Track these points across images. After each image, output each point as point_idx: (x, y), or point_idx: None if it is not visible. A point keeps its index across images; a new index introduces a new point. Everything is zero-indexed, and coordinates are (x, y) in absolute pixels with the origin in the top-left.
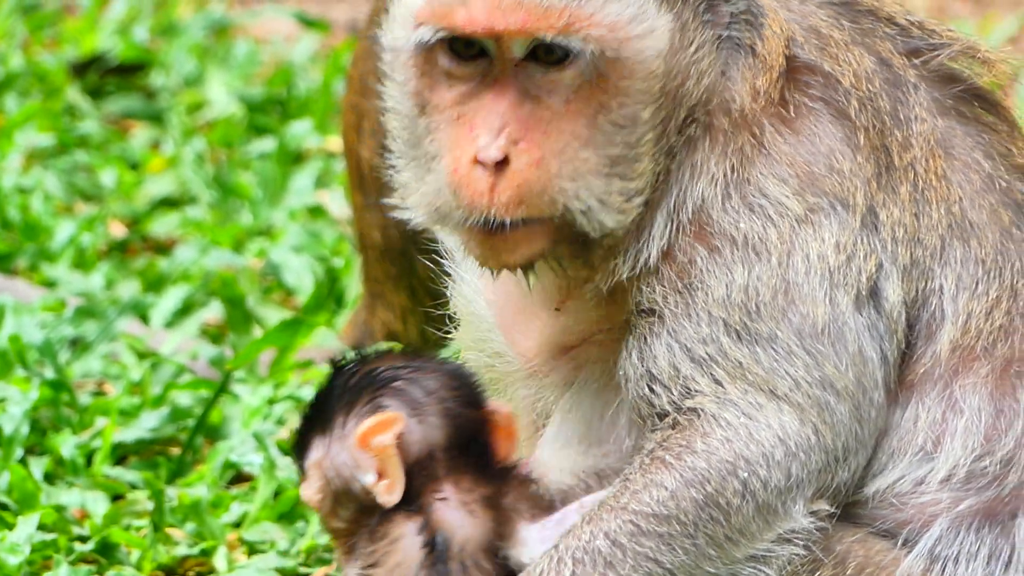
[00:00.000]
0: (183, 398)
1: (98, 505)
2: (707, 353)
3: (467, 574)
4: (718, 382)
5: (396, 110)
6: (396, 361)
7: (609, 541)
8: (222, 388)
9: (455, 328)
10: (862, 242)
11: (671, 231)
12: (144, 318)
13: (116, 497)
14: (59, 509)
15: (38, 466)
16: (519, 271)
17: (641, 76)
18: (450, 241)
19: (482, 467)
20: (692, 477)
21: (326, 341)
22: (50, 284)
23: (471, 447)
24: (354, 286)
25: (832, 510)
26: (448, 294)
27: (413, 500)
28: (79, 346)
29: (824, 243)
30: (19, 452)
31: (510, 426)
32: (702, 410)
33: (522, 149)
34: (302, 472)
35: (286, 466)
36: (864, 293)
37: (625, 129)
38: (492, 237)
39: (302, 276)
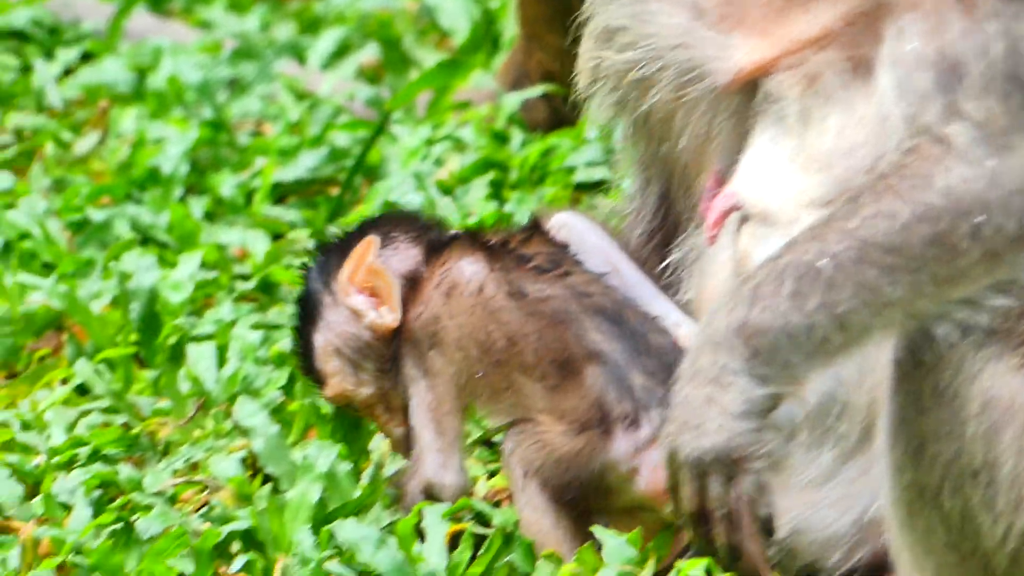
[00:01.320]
0: (341, 138)
1: (258, 243)
2: (979, 80)
3: None
4: (978, 113)
5: None
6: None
7: (833, 264)
8: (380, 128)
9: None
10: None
11: None
12: (301, 59)
13: (276, 236)
14: (220, 248)
15: (198, 205)
16: None
17: None
18: None
19: None
20: (925, 213)
21: (483, 82)
22: (206, 25)
23: None
24: (510, 27)
25: None
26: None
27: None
28: (237, 87)
29: None
30: (179, 191)
31: None
32: (951, 142)
33: None
34: (318, 381)
35: (445, 206)
36: None
37: None
38: None
39: (458, 17)
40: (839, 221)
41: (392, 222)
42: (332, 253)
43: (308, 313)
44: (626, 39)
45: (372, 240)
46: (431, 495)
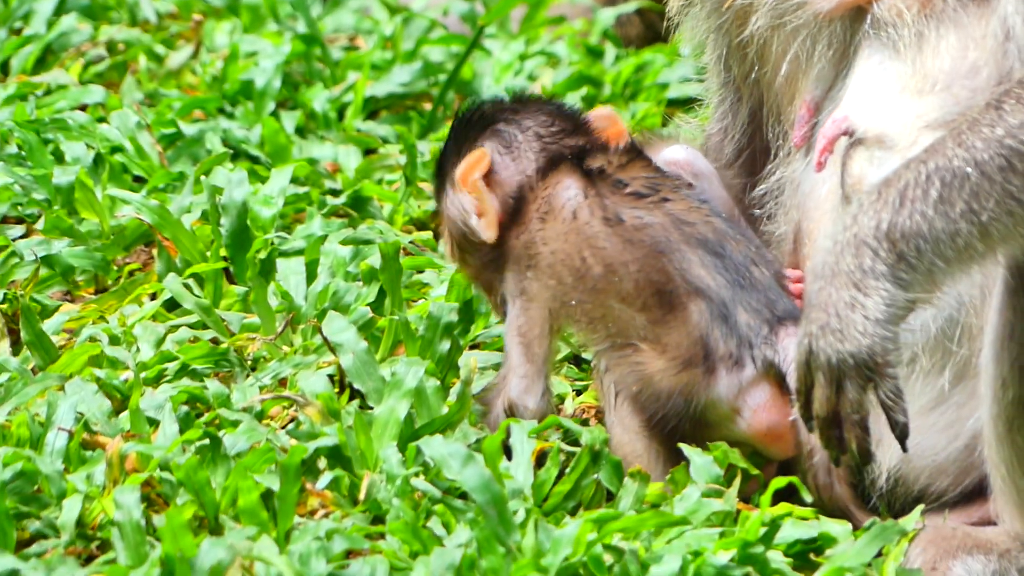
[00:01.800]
0: (435, 53)
1: (350, 159)
2: None
3: None
4: None
5: None
6: (500, 104)
7: (979, 172)
8: (474, 43)
9: None
10: None
11: None
12: None
13: (368, 151)
14: (312, 162)
15: (290, 120)
16: None
17: None
18: None
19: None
20: None
21: None
22: None
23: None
24: None
25: None
26: None
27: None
28: (331, 1)
29: None
30: (271, 106)
31: (616, 125)
32: None
33: None
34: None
35: None
36: None
37: None
38: None
39: None
40: (985, 128)
41: (528, 117)
42: (472, 126)
43: (442, 164)
44: None
45: (485, 154)
46: (514, 415)
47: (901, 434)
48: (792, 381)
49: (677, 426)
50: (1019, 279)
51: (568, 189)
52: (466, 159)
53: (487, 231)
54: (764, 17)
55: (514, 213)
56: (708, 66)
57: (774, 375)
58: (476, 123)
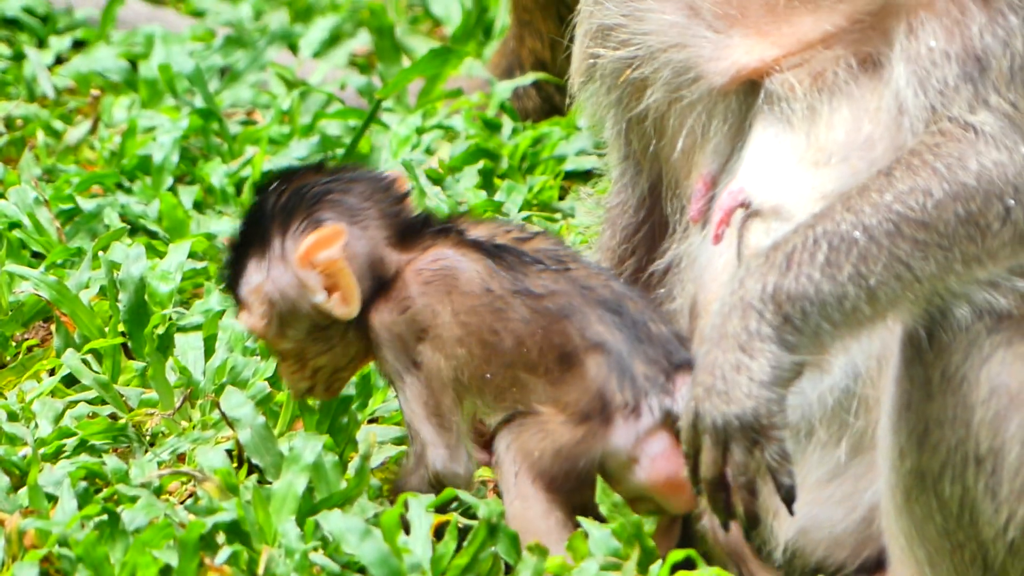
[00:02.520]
0: (332, 127)
1: None
2: (1007, 69)
3: None
4: (1006, 103)
5: None
6: (322, 175)
7: (867, 236)
8: (371, 117)
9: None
10: None
11: None
12: (293, 48)
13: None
14: (210, 237)
15: (188, 195)
16: None
17: None
18: None
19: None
20: (959, 192)
21: (474, 71)
22: (198, 14)
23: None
24: (502, 16)
25: None
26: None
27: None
28: (228, 75)
29: None
30: (169, 180)
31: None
32: (983, 129)
33: None
34: (238, 302)
35: (436, 195)
36: None
37: None
38: None
39: (450, 6)
40: (873, 194)
41: (367, 188)
42: (299, 200)
43: (255, 240)
44: (621, 37)
45: (340, 231)
46: (441, 486)
47: (787, 496)
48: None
49: (578, 488)
50: (915, 349)
51: (474, 263)
52: (313, 235)
53: (345, 307)
54: (659, 91)
55: (373, 287)
56: (608, 140)
57: (671, 425)
58: (301, 196)
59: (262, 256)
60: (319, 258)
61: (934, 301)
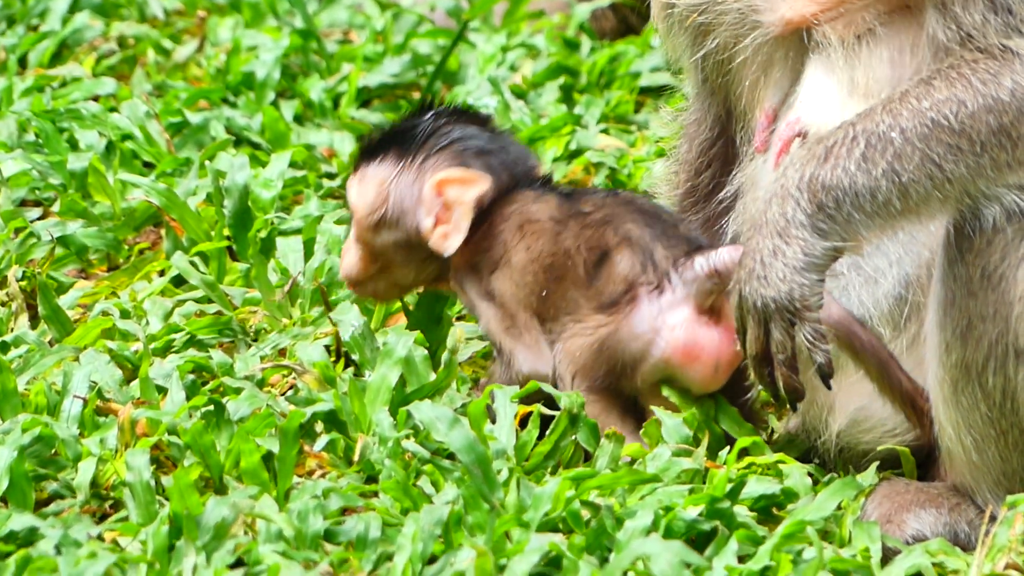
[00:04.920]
0: (423, 46)
1: (345, 144)
2: None
3: None
4: None
5: None
6: (486, 129)
7: (903, 137)
8: (459, 36)
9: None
10: None
11: None
12: None
13: (361, 137)
14: (309, 148)
15: (289, 108)
16: None
17: None
18: None
19: None
20: (993, 104)
21: None
22: None
23: None
24: None
25: None
26: None
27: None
28: None
29: None
30: (271, 95)
31: None
32: (1019, 52)
33: None
34: (357, 168)
35: (519, 108)
36: None
37: None
38: None
39: None
40: (913, 100)
41: (513, 157)
42: (459, 137)
43: (405, 141)
44: None
45: (485, 179)
46: (531, 380)
47: (821, 372)
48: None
49: (621, 379)
50: (957, 250)
51: (545, 203)
52: (458, 170)
53: (443, 243)
54: (723, 35)
55: (473, 229)
56: (685, 68)
57: (695, 300)
58: (464, 136)
59: (401, 158)
60: (450, 192)
61: (964, 201)
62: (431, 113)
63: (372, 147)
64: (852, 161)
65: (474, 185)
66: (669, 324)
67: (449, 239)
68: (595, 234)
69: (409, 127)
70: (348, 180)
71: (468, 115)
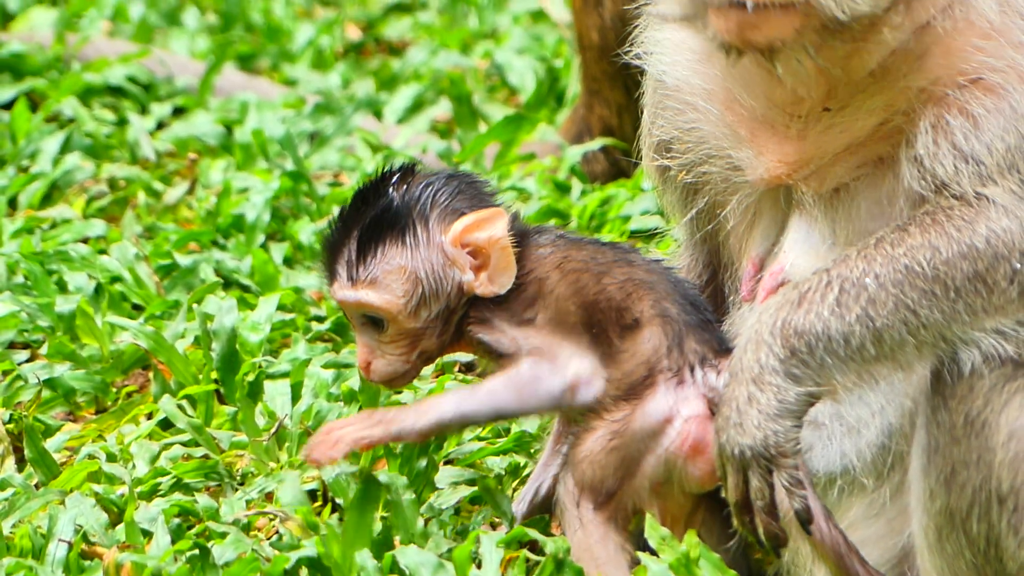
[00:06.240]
0: None
1: None
2: (1011, 155)
3: None
4: (1012, 180)
5: None
6: (441, 175)
7: (877, 283)
8: None
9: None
10: None
11: None
12: (378, 114)
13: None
14: (297, 291)
15: (278, 251)
16: (764, 56)
17: None
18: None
19: None
20: (967, 251)
21: (547, 136)
22: (290, 83)
23: None
24: (573, 85)
25: None
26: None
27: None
28: (317, 140)
29: None
30: (261, 238)
31: None
32: (993, 199)
33: None
34: (355, 280)
35: None
36: None
37: None
38: (739, 11)
39: (524, 76)
40: (887, 246)
41: (482, 186)
42: (435, 192)
43: (383, 226)
44: (677, 148)
45: (501, 212)
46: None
47: (799, 517)
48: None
49: (628, 480)
50: (940, 397)
51: (582, 246)
52: (470, 216)
53: (494, 285)
54: (710, 194)
55: None
56: (674, 217)
57: (710, 401)
58: (436, 188)
59: (400, 240)
60: (474, 237)
61: (940, 346)
62: (386, 189)
63: (360, 245)
64: (825, 306)
65: (494, 220)
66: (684, 415)
67: (500, 277)
68: (635, 294)
69: (386, 206)
70: (337, 290)
71: (405, 170)
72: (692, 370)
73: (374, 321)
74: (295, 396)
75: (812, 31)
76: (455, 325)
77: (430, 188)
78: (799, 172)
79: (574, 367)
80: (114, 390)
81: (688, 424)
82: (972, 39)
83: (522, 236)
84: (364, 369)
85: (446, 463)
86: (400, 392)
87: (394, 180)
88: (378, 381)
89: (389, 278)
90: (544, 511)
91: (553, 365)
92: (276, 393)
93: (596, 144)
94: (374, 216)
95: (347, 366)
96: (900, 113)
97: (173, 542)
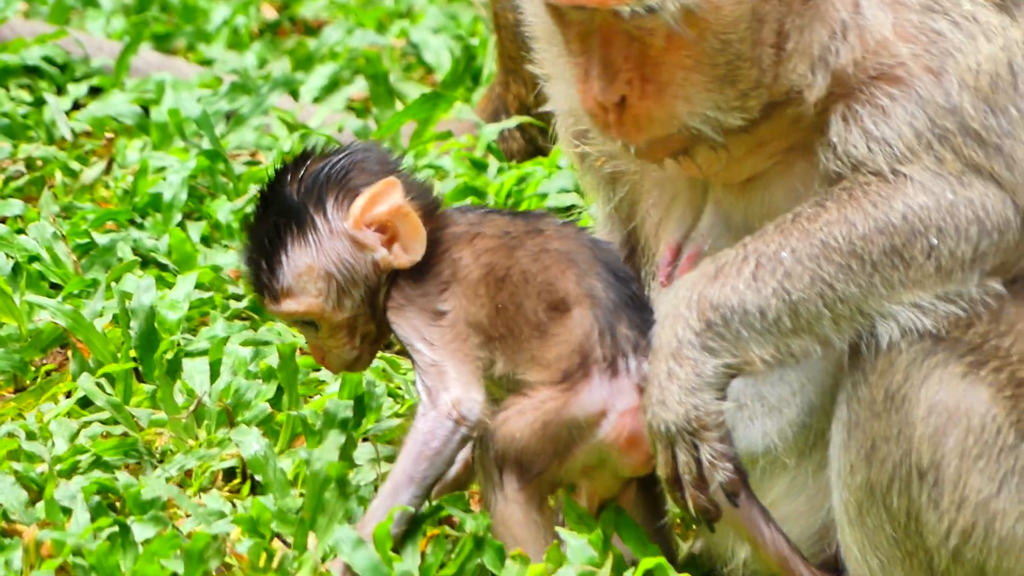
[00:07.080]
0: None
1: None
2: (944, 126)
3: None
4: (936, 156)
5: (531, 17)
6: (329, 156)
7: (794, 257)
8: None
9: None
10: None
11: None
12: (294, 94)
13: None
14: (216, 269)
15: (196, 230)
16: (672, 159)
17: (727, 18)
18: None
19: None
20: (884, 227)
21: (463, 114)
22: (206, 63)
23: None
24: (489, 63)
25: (1001, 289)
26: None
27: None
28: (234, 119)
29: None
30: (178, 217)
31: None
32: (911, 177)
33: (635, 86)
34: (275, 295)
35: None
36: None
37: (724, 50)
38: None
39: (441, 54)
40: (804, 221)
41: (378, 156)
42: (325, 179)
43: (283, 231)
44: (593, 136)
45: (394, 182)
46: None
47: (724, 490)
48: None
49: (555, 461)
50: (861, 372)
51: (494, 217)
52: (364, 195)
53: (408, 254)
54: (630, 182)
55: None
56: (594, 199)
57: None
58: (326, 175)
59: (302, 239)
60: (374, 214)
61: (857, 319)
62: (279, 189)
63: (268, 257)
64: (741, 280)
65: (389, 191)
66: (619, 409)
67: (412, 244)
68: (555, 268)
69: (283, 207)
70: (268, 306)
71: (298, 161)
72: (626, 358)
73: (308, 323)
74: (214, 374)
75: (705, 144)
76: (384, 302)
77: (321, 175)
78: (711, 168)
79: (452, 394)
80: (33, 369)
81: (623, 417)
82: (871, 47)
83: (433, 208)
84: (322, 364)
85: (364, 440)
86: (319, 369)
87: (287, 176)
88: (337, 372)
89: (302, 281)
90: (459, 487)
91: (438, 401)
92: (195, 371)
93: (512, 122)
94: (274, 222)
95: (265, 343)
96: (809, 116)
97: (93, 519)
